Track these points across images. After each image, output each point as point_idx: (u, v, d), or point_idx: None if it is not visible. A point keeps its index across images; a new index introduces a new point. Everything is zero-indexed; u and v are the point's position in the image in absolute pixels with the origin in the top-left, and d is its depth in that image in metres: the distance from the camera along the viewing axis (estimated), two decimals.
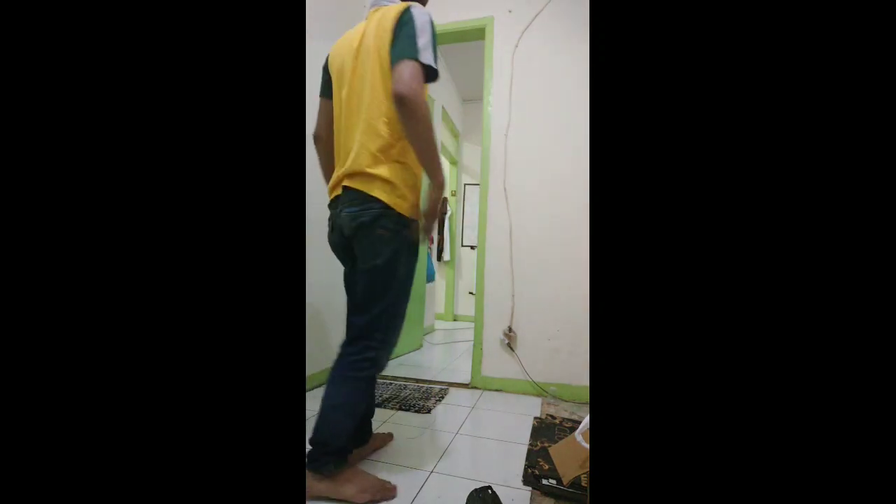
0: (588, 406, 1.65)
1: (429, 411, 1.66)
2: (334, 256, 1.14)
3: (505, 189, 2.06)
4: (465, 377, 2.17)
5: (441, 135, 3.63)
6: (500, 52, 2.10)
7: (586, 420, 0.99)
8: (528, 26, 2.06)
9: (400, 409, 1.67)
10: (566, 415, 1.66)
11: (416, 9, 0.94)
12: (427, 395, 1.85)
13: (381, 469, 1.17)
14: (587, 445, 0.97)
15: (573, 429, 1.44)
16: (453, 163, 4.43)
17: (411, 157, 0.99)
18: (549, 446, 1.23)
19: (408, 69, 0.87)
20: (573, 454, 1.03)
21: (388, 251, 0.98)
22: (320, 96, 1.13)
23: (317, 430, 0.98)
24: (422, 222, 1.04)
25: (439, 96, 3.75)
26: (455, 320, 4.53)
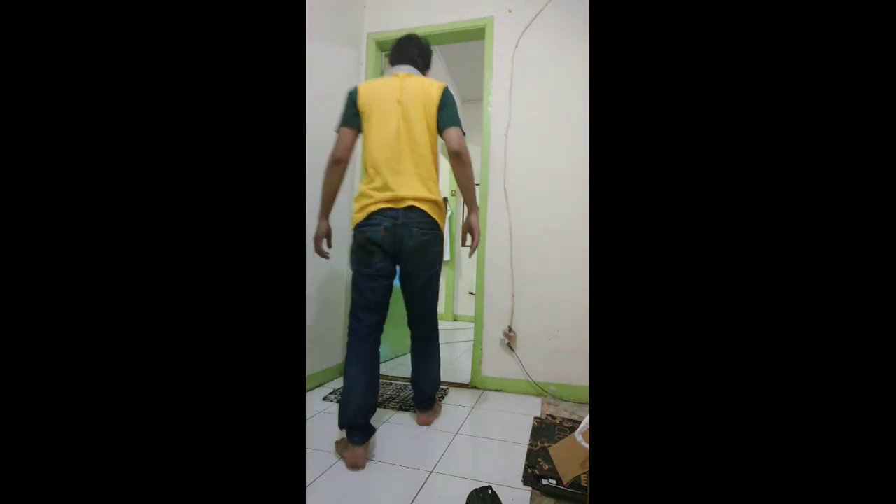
0: (588, 406, 1.65)
1: None
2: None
3: (505, 189, 2.06)
4: (465, 377, 2.17)
5: None
6: (500, 52, 2.10)
7: (586, 420, 0.99)
8: (528, 26, 2.06)
9: (400, 409, 1.67)
10: (566, 415, 1.66)
11: (450, 89, 1.38)
12: None
13: (381, 468, 1.17)
14: (587, 445, 0.97)
15: (573, 429, 1.44)
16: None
17: None
18: (549, 446, 1.23)
19: (458, 134, 1.34)
20: (573, 454, 1.03)
21: (441, 262, 1.46)
22: (344, 126, 1.38)
23: (428, 385, 1.51)
24: (475, 241, 1.45)
25: None
26: (455, 320, 4.53)
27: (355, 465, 1.17)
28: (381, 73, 2.37)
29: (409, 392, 1.88)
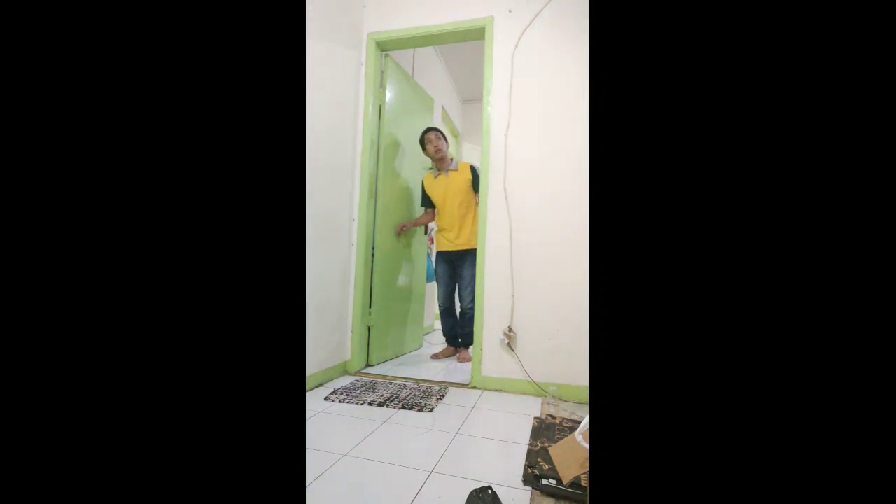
0: (588, 406, 1.65)
1: (431, 410, 1.66)
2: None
3: (505, 189, 2.06)
4: (465, 377, 2.17)
5: None
6: (500, 52, 2.10)
7: (586, 420, 0.99)
8: (528, 26, 2.06)
9: (402, 408, 1.67)
10: (566, 415, 1.66)
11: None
12: (428, 394, 1.85)
13: (381, 468, 1.17)
14: (587, 445, 0.97)
15: (573, 429, 1.44)
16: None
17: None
18: (549, 446, 1.23)
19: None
20: (573, 454, 1.03)
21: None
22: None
23: (464, 336, 2.56)
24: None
25: (439, 96, 3.75)
26: None
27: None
28: (382, 73, 2.37)
29: (409, 392, 1.89)
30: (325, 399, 1.75)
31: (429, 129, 2.53)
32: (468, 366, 2.41)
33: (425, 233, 2.94)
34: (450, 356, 2.64)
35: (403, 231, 2.59)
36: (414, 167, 2.77)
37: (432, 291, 3.59)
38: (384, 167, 2.41)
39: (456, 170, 2.49)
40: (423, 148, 2.55)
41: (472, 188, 2.44)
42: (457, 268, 2.53)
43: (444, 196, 2.49)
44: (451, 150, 4.49)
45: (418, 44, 2.37)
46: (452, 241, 2.49)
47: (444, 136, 2.54)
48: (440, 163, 2.51)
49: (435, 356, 2.64)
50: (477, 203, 2.42)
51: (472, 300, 2.37)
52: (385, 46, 2.36)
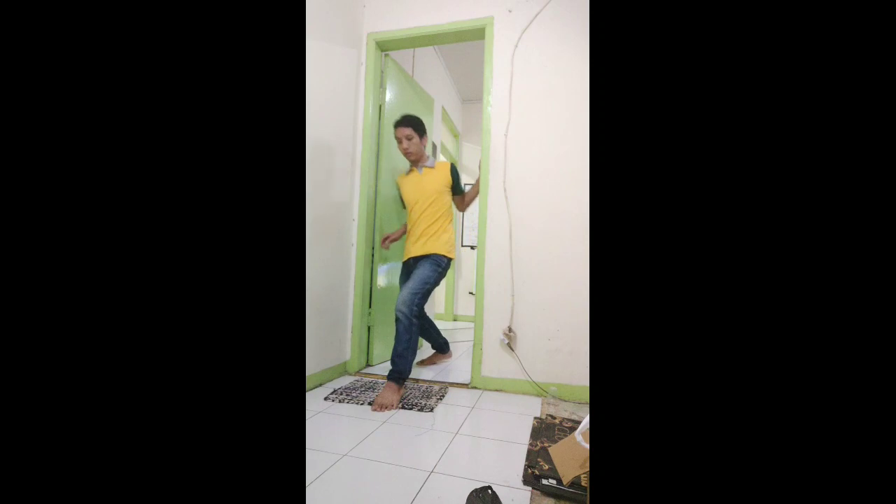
0: (588, 406, 1.65)
1: (431, 410, 1.66)
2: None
3: (505, 189, 2.06)
4: (465, 377, 2.17)
5: (441, 135, 3.62)
6: (500, 52, 2.10)
7: (586, 420, 0.99)
8: (528, 26, 2.06)
9: (402, 408, 1.67)
10: (566, 415, 1.66)
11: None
12: (428, 394, 1.85)
13: (381, 468, 1.17)
14: (587, 445, 0.97)
15: (573, 429, 1.44)
16: (453, 163, 4.43)
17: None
18: (549, 446, 1.23)
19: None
20: (573, 454, 1.03)
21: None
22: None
23: (396, 360, 1.88)
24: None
25: (439, 96, 3.75)
26: (455, 320, 4.52)
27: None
28: (381, 73, 2.37)
29: (409, 392, 1.89)
30: (325, 399, 1.75)
31: (398, 124, 2.03)
32: (468, 365, 2.41)
33: None
34: (436, 363, 2.45)
35: (390, 243, 2.26)
36: None
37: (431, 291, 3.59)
38: (384, 167, 2.41)
39: (432, 167, 2.09)
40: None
41: (449, 191, 2.08)
42: (412, 270, 2.01)
43: (414, 196, 2.07)
44: (452, 150, 4.52)
45: (418, 44, 2.37)
46: (409, 250, 2.07)
47: (418, 130, 2.04)
48: (414, 161, 2.12)
49: (421, 362, 2.42)
50: (451, 211, 2.10)
51: (410, 307, 1.82)
52: (385, 46, 2.36)
